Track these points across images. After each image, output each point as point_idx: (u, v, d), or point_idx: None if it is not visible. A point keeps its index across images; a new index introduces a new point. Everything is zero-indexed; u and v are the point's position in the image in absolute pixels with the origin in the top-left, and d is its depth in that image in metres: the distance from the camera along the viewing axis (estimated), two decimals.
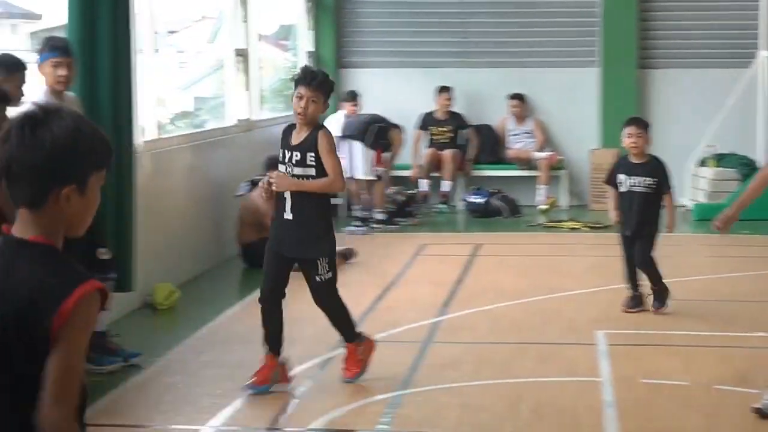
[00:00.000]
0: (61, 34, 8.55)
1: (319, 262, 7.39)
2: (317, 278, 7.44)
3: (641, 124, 9.50)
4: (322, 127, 7.48)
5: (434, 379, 7.70)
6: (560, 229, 14.50)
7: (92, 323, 3.00)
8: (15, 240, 3.04)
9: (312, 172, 7.30)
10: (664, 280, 9.40)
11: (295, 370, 7.87)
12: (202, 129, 13.03)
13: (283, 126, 7.65)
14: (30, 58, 7.93)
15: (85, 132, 3.07)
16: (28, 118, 2.99)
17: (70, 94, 8.07)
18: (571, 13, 16.72)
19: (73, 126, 3.04)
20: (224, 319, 9.67)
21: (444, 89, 16.18)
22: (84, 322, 2.93)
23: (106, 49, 8.74)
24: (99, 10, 8.68)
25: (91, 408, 7.00)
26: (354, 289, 10.75)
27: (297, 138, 7.36)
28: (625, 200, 9.40)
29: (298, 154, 7.30)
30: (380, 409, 7.04)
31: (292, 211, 7.35)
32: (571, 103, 16.67)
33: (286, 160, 7.37)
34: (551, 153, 16.39)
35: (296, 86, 7.30)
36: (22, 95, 7.53)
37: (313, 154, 7.26)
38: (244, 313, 9.84)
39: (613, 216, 9.58)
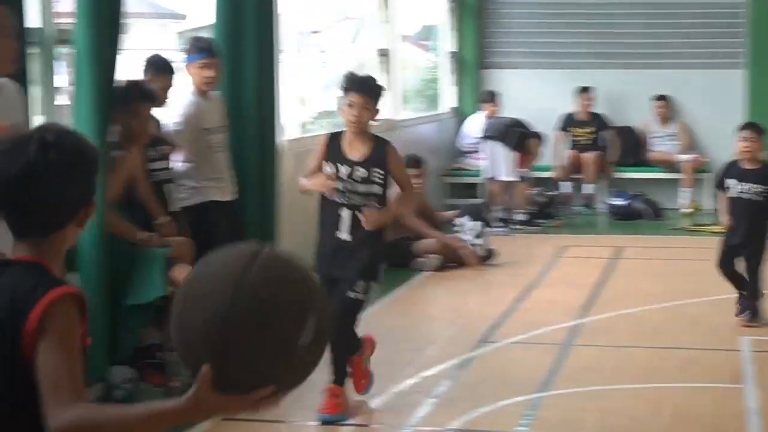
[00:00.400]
0: (207, 34, 8.66)
1: (360, 281, 6.76)
2: (350, 293, 6.74)
3: (757, 129, 9.26)
4: (387, 141, 6.97)
5: (574, 382, 7.64)
6: (703, 233, 14.26)
7: (69, 329, 2.78)
8: (2, 262, 2.94)
9: (377, 189, 6.78)
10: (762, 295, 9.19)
11: (434, 370, 7.89)
12: (343, 129, 13.07)
13: (331, 133, 7.07)
14: (177, 58, 8.05)
15: (79, 143, 2.92)
16: (32, 141, 2.80)
17: (215, 94, 8.18)
18: (716, 14, 16.44)
19: (73, 141, 2.90)
20: (365, 316, 9.69)
21: (584, 90, 16.04)
22: (60, 328, 2.75)
23: (251, 50, 8.84)
24: (244, 10, 8.77)
25: None
26: (494, 290, 10.77)
27: (356, 152, 6.77)
28: (733, 207, 9.13)
29: (363, 171, 6.73)
30: (519, 411, 7.00)
31: (350, 232, 6.78)
32: (716, 105, 16.38)
33: (345, 177, 6.73)
34: (696, 156, 16.15)
35: (346, 93, 6.75)
36: (168, 97, 7.66)
37: (380, 171, 6.75)
38: (383, 313, 9.88)
39: (724, 221, 9.26)
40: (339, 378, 6.83)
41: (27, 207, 2.81)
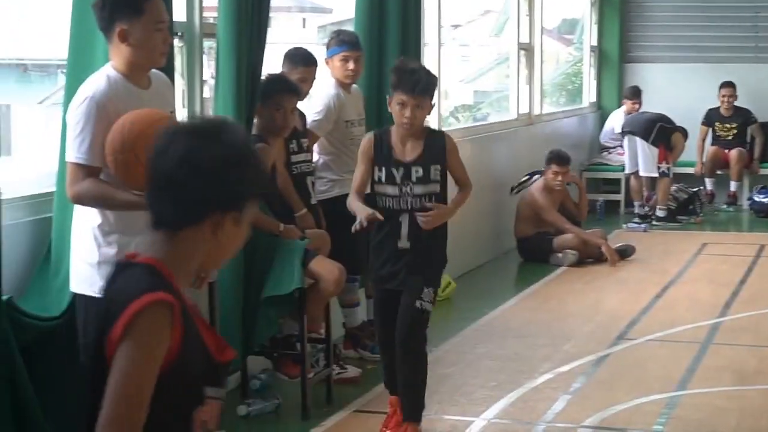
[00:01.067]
0: (349, 28, 8.71)
1: (426, 289, 6.20)
2: (418, 303, 6.16)
3: None
4: (443, 133, 6.59)
5: (713, 382, 7.56)
6: None
7: (150, 340, 2.60)
8: (125, 263, 2.78)
9: (436, 188, 6.24)
10: None
11: (570, 366, 7.86)
12: (483, 122, 13.09)
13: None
14: (318, 51, 8.11)
15: (251, 155, 2.78)
16: (191, 131, 2.73)
17: (356, 87, 8.23)
18: None
19: (241, 146, 2.76)
20: (500, 312, 9.71)
21: (726, 84, 15.78)
22: (136, 338, 2.59)
23: (395, 44, 8.86)
24: (388, 5, 8.81)
25: (363, 397, 7.19)
26: (632, 286, 10.68)
27: (409, 151, 6.21)
28: None
29: (420, 170, 6.17)
30: (656, 410, 6.95)
31: (409, 239, 6.20)
32: None
33: (399, 180, 6.16)
34: None
35: (395, 91, 6.10)
36: (309, 89, 7.73)
37: (438, 167, 6.22)
38: (520, 307, 9.89)
39: None
40: (413, 413, 6.27)
41: (166, 195, 2.71)
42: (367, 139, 6.32)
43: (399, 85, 6.04)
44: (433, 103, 6.21)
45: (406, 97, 5.99)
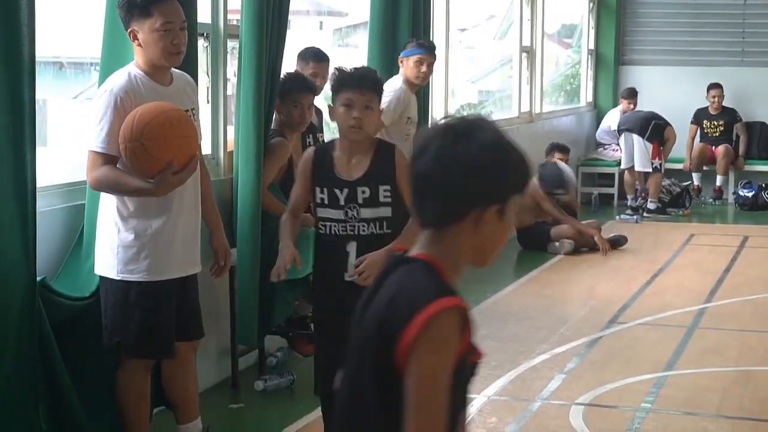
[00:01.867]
0: (364, 31, 8.70)
1: None
2: None
3: None
4: (393, 146, 5.23)
5: (698, 363, 7.55)
6: None
7: (445, 348, 2.47)
8: (400, 256, 2.64)
9: (387, 212, 4.97)
10: None
11: (565, 348, 7.86)
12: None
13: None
14: (333, 52, 8.10)
15: (510, 148, 2.63)
16: (448, 130, 2.57)
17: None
18: None
19: (499, 140, 2.60)
20: (501, 296, 9.71)
21: (714, 86, 15.77)
22: (434, 345, 2.44)
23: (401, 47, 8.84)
24: (400, 9, 8.80)
25: None
26: (624, 273, 10.67)
27: (353, 167, 4.98)
28: None
29: (366, 190, 4.93)
30: (644, 389, 6.93)
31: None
32: None
33: (343, 202, 4.94)
34: None
35: (338, 92, 4.96)
36: (323, 84, 7.72)
37: (388, 187, 4.95)
38: (519, 292, 9.89)
39: None
40: None
41: (428, 194, 2.56)
42: (306, 155, 5.18)
43: (342, 85, 4.96)
44: (381, 108, 5.24)
45: (353, 94, 4.89)
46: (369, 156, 5.00)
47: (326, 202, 4.97)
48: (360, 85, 4.94)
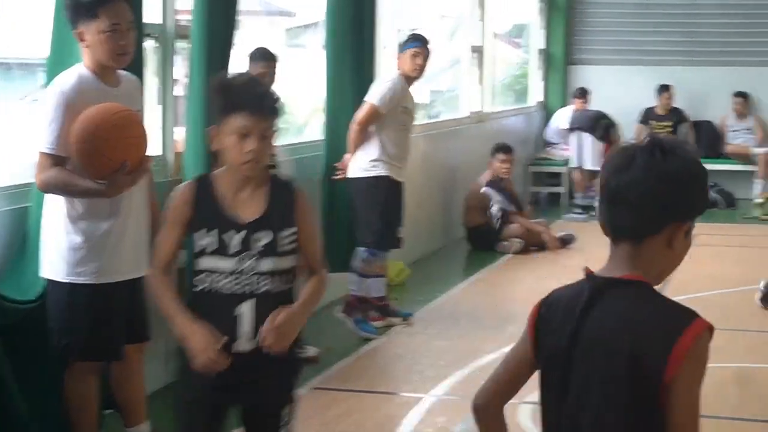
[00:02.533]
0: (315, 31, 8.71)
1: (288, 410, 4.05)
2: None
3: None
4: (291, 182, 4.12)
5: None
6: None
7: (705, 365, 2.56)
8: (604, 280, 2.68)
9: (289, 263, 3.95)
10: None
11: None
12: (437, 120, 13.10)
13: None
14: (284, 52, 8.10)
15: (705, 171, 2.71)
16: (655, 146, 2.62)
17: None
18: None
19: (698, 159, 2.69)
20: (450, 296, 9.74)
21: (664, 88, 15.93)
22: (699, 365, 2.54)
23: (353, 45, 8.91)
24: (348, 9, 8.83)
25: (322, 374, 7.18)
26: (572, 272, 10.60)
27: (248, 206, 3.90)
28: None
29: (265, 237, 3.86)
30: None
31: (256, 335, 3.85)
32: None
33: (233, 250, 3.84)
34: None
35: (228, 114, 3.78)
36: (272, 83, 7.72)
37: (292, 231, 3.92)
38: (468, 292, 9.94)
39: None
40: None
41: (629, 206, 2.63)
42: (180, 192, 4.01)
43: (238, 105, 3.78)
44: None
45: (251, 120, 3.77)
46: (263, 191, 3.94)
47: (212, 249, 3.86)
48: (259, 109, 3.84)
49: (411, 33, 8.67)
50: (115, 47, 5.04)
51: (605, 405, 2.58)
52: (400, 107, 8.22)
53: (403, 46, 8.29)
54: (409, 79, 8.29)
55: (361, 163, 8.11)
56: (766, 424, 6.41)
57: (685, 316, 2.56)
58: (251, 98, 3.85)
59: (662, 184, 2.60)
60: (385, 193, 8.19)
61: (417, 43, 8.24)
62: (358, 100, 8.92)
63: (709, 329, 2.54)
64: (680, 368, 2.49)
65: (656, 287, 2.64)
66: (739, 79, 16.23)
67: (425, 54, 8.26)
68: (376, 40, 9.37)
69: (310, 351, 7.60)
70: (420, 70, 8.29)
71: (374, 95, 8.16)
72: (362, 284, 8.33)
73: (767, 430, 6.30)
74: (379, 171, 8.17)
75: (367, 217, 8.14)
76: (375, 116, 8.08)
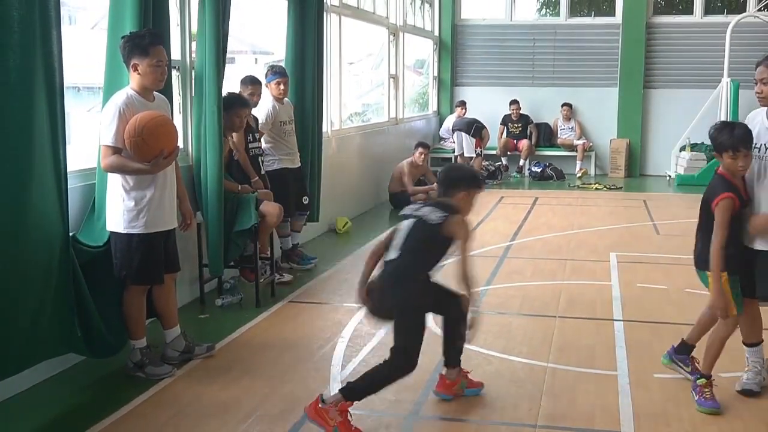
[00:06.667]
0: (283, 63, 8.65)
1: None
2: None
3: None
4: None
5: (506, 280, 7.68)
6: (589, 188, 14.27)
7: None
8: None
9: None
10: None
11: None
12: (368, 123, 13.08)
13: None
14: (263, 77, 8.04)
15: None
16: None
17: (287, 100, 8.18)
18: (599, 53, 16.35)
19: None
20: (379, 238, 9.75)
21: (514, 102, 16.06)
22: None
23: (310, 73, 8.83)
24: (306, 49, 8.77)
25: (294, 293, 7.19)
26: None
27: None
28: None
29: None
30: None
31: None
32: (599, 109, 16.32)
33: None
34: (585, 141, 16.12)
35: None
36: (258, 100, 7.66)
37: None
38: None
39: None
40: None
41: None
42: None
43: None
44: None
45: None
46: None
47: None
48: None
49: (270, 66, 8.03)
50: (159, 77, 5.03)
51: None
52: (278, 122, 7.89)
53: (268, 78, 7.87)
54: (278, 100, 7.89)
55: (266, 162, 7.75)
56: (593, 321, 6.53)
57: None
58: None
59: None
60: (282, 177, 7.83)
61: (277, 76, 7.87)
62: (313, 108, 8.88)
63: None
64: None
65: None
66: (563, 95, 16.37)
67: (285, 81, 7.90)
68: (324, 69, 9.32)
69: (286, 277, 7.64)
70: (284, 93, 7.90)
71: (261, 118, 7.80)
72: (285, 241, 8.15)
73: (597, 324, 6.41)
74: (277, 165, 7.87)
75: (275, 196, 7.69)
76: (262, 135, 7.77)
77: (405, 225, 4.42)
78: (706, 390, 4.73)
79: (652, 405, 4.76)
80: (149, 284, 5.28)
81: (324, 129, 9.51)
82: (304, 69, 8.74)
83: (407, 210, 4.45)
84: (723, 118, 14.68)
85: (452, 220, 4.28)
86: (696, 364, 5.03)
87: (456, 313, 4.59)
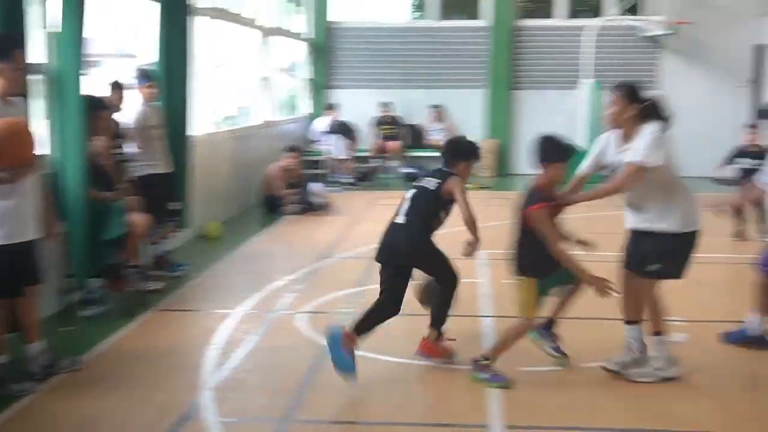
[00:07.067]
0: (152, 67, 8.47)
1: None
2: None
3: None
4: None
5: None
6: None
7: None
8: None
9: None
10: None
11: (294, 275, 7.88)
12: (240, 126, 12.95)
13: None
14: (131, 82, 7.86)
15: None
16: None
17: (155, 104, 8.03)
18: (469, 56, 16.70)
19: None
20: (251, 243, 9.69)
21: (385, 104, 16.22)
22: None
23: (180, 77, 8.71)
24: (176, 52, 8.63)
25: (164, 301, 7.05)
26: (332, 226, 10.83)
27: None
28: None
29: None
30: (347, 299, 7.07)
31: None
32: (468, 110, 16.67)
33: None
34: None
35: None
36: (122, 105, 7.49)
37: None
38: (264, 241, 9.90)
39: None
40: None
41: None
42: None
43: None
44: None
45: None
46: None
47: None
48: None
49: (140, 70, 7.89)
50: (20, 81, 4.88)
51: None
52: (148, 126, 7.75)
53: (139, 81, 7.75)
54: (148, 104, 7.75)
55: (134, 168, 7.61)
56: (465, 318, 6.65)
57: None
58: None
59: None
60: (150, 184, 7.65)
61: (148, 79, 7.77)
62: (182, 112, 8.75)
63: None
64: None
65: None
66: (434, 97, 16.64)
67: (155, 84, 7.80)
68: (193, 72, 9.18)
69: (156, 285, 7.47)
70: (153, 97, 7.78)
71: (131, 122, 7.66)
72: (154, 249, 7.95)
73: (469, 321, 6.51)
74: (145, 171, 7.69)
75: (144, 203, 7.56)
76: (135, 134, 7.65)
77: (409, 194, 5.39)
78: (492, 368, 5.10)
79: (519, 396, 4.90)
80: (9, 297, 5.08)
81: (194, 133, 9.37)
82: (173, 72, 8.59)
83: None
84: (584, 118, 15.27)
85: (451, 180, 5.23)
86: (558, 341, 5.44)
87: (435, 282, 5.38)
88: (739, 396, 5.02)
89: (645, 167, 4.82)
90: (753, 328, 5.84)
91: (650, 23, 15.82)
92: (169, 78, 8.57)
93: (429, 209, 5.27)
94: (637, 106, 4.91)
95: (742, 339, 5.85)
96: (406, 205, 5.35)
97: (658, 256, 4.98)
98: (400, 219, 5.34)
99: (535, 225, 4.90)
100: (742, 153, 9.94)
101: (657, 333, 5.22)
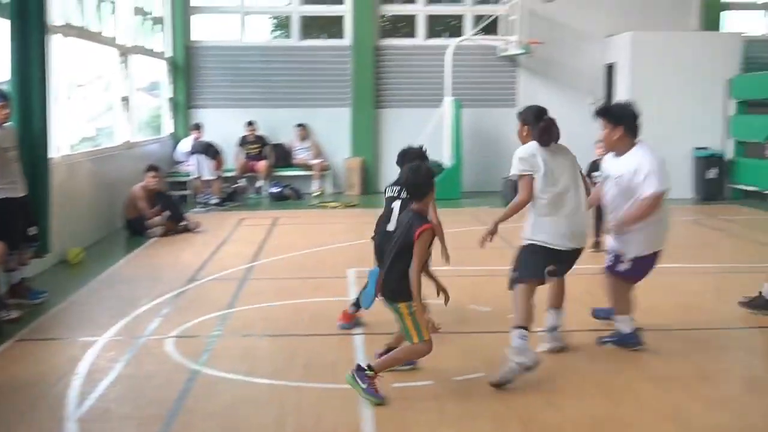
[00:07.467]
0: (4, 86, 8.13)
1: None
2: None
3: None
4: None
5: (249, 302, 7.65)
6: (326, 207, 14.60)
7: None
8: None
9: None
10: None
11: (161, 299, 7.71)
12: (100, 147, 12.56)
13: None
14: None
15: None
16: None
17: (9, 124, 7.69)
18: (333, 75, 16.80)
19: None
20: (115, 268, 9.40)
21: (249, 123, 16.12)
22: None
23: (36, 96, 8.40)
24: (31, 71, 8.33)
25: (24, 330, 6.75)
26: (199, 247, 10.65)
27: None
28: None
29: None
30: (215, 322, 6.97)
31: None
32: (334, 129, 16.76)
33: None
34: (321, 160, 16.47)
35: None
36: (8, 114, 7.16)
37: None
38: (129, 264, 9.63)
39: None
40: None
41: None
42: None
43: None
44: None
45: None
46: None
47: None
48: None
49: None
50: None
51: None
52: (1, 149, 7.28)
53: None
54: (2, 125, 7.34)
55: None
56: (335, 337, 6.64)
57: None
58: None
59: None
60: (6, 208, 7.26)
61: (0, 99, 7.34)
62: (40, 133, 8.44)
63: None
64: None
65: None
66: (299, 116, 16.66)
67: (8, 105, 7.40)
68: (50, 92, 8.86)
69: (14, 314, 7.14)
70: (6, 118, 7.37)
71: None
72: (12, 276, 7.60)
73: (339, 339, 6.52)
74: (3, 194, 7.28)
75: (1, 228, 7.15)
76: None
77: (396, 204, 5.91)
78: (374, 383, 5.10)
79: (391, 413, 4.93)
80: None
81: (52, 155, 9.02)
82: (28, 92, 8.27)
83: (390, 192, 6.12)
84: (447, 135, 15.61)
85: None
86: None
87: None
88: (599, 401, 5.21)
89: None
90: (623, 327, 6.15)
91: (507, 43, 16.33)
92: (24, 98, 8.26)
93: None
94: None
95: (621, 341, 6.19)
96: (395, 214, 5.89)
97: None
98: (391, 226, 5.80)
99: (419, 244, 4.90)
100: (596, 167, 10.38)
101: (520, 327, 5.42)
